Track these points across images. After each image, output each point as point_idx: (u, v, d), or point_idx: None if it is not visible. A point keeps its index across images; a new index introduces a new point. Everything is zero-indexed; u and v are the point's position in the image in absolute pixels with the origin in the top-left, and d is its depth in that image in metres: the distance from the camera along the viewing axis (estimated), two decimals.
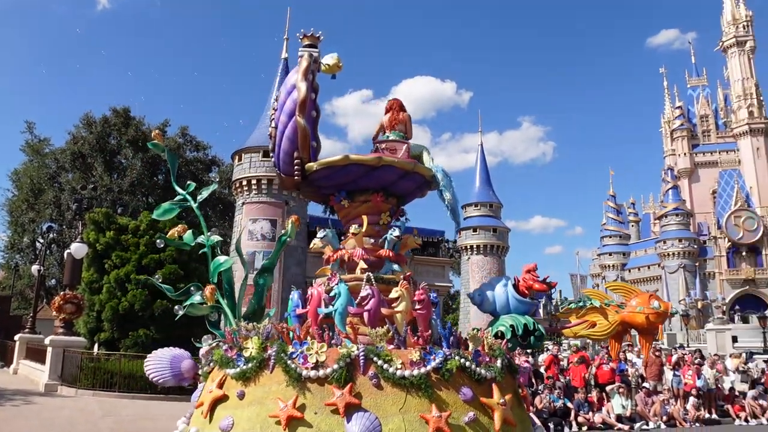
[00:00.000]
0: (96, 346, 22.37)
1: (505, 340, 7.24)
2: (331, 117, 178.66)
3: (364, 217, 7.96)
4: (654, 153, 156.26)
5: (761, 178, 72.29)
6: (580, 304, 8.81)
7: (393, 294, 6.92)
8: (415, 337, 6.40)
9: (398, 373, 5.84)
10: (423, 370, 5.91)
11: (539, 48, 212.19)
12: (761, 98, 75.29)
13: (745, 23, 76.97)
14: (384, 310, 6.89)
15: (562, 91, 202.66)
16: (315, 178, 7.96)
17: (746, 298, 64.19)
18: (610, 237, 77.21)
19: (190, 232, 8.08)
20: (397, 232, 7.86)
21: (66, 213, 39.02)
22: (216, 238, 8.03)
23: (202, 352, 7.48)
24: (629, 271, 73.90)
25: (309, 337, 6.38)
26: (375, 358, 5.91)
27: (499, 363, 6.57)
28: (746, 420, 15.68)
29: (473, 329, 6.91)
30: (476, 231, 46.18)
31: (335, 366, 5.80)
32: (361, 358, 5.89)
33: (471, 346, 6.56)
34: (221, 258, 7.93)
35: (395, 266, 7.80)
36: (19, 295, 46.40)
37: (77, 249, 20.34)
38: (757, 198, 70.39)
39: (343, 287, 6.93)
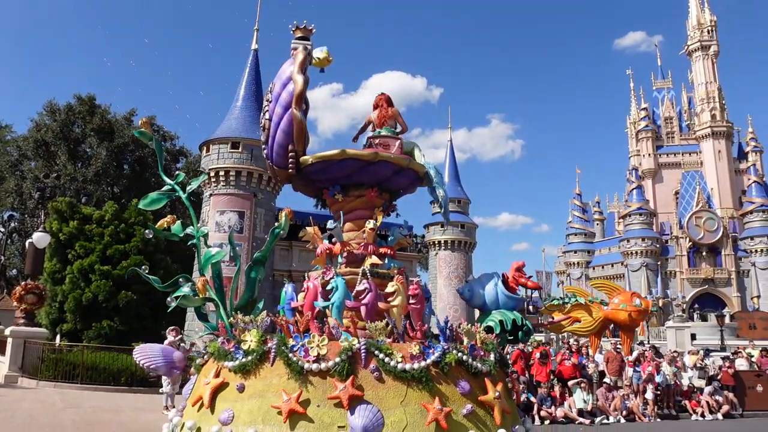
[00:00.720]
0: (58, 337, 22.02)
1: (494, 334, 7.38)
2: None
3: (378, 212, 7.99)
4: (619, 153, 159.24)
5: (722, 180, 74.24)
6: (564, 300, 9.02)
7: (389, 288, 6.98)
8: (414, 331, 6.51)
9: (399, 366, 5.94)
10: (423, 363, 6.02)
11: (509, 47, 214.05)
12: (723, 102, 77.24)
13: (709, 28, 78.78)
14: (380, 305, 6.95)
15: (532, 90, 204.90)
16: (309, 172, 7.93)
17: (705, 297, 65.98)
18: (576, 235, 78.49)
19: (179, 223, 8.02)
20: (406, 232, 7.93)
21: (28, 202, 38.06)
22: (206, 229, 8.01)
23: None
24: (593, 268, 75.25)
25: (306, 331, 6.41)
26: (376, 352, 6.01)
27: (492, 357, 6.75)
28: (702, 415, 16.16)
29: (467, 324, 7.01)
30: (444, 226, 46.55)
31: (337, 359, 5.87)
32: (363, 351, 5.98)
33: (466, 340, 6.67)
34: (213, 250, 7.91)
35: (393, 263, 7.85)
36: None
37: (39, 238, 19.94)
38: (718, 199, 72.31)
39: (341, 281, 6.98)
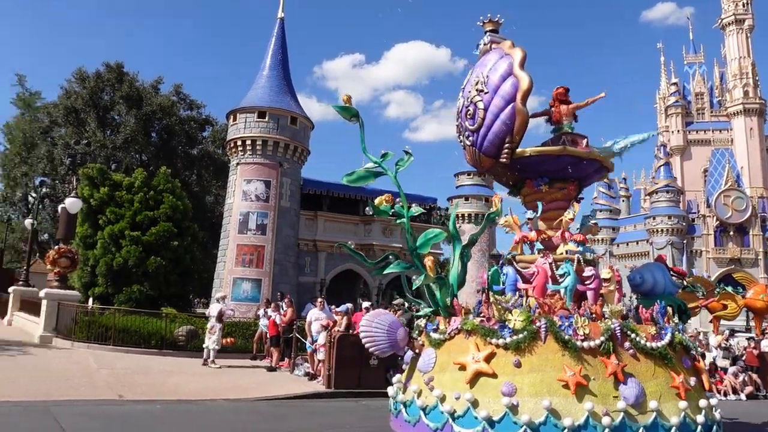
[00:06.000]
0: (90, 300, 22.59)
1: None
2: (321, 80, 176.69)
3: (576, 204, 8.59)
4: (648, 129, 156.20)
5: (752, 159, 72.64)
6: (696, 288, 9.57)
7: (604, 274, 7.71)
8: (645, 314, 7.29)
9: (648, 344, 6.69)
10: (663, 342, 6.80)
11: (535, 19, 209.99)
12: (757, 78, 75.17)
13: (744, 1, 76.42)
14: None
15: (558, 62, 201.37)
16: (521, 163, 8.37)
17: (731, 277, 65.12)
18: (601, 211, 77.53)
19: (389, 202, 8.16)
20: (594, 219, 8.40)
21: (59, 168, 38.71)
22: (418, 209, 8.16)
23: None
24: (617, 245, 74.59)
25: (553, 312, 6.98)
26: (629, 332, 6.71)
27: (687, 336, 7.52)
28: (725, 395, 16.15)
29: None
30: (468, 199, 46.64)
31: (602, 338, 6.53)
32: (618, 331, 6.65)
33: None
34: (434, 230, 8.04)
35: (587, 250, 8.36)
36: (12, 248, 46.21)
37: (72, 204, 20.34)
38: (748, 178, 70.87)
39: (570, 267, 7.44)
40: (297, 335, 15.57)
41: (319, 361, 14.10)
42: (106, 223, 23.57)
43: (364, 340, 7.94)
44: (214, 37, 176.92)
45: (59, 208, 22.40)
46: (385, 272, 8.08)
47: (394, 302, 17.82)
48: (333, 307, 15.90)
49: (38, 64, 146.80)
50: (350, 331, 13.80)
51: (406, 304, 13.15)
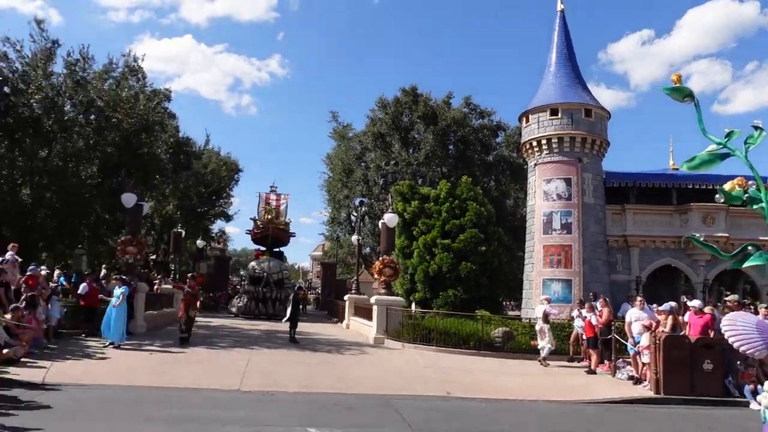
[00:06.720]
0: (413, 305, 24.68)
1: None
2: (607, 65, 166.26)
3: None
4: None
5: None
6: None
7: None
8: None
9: None
10: None
11: None
12: None
13: None
14: None
15: None
16: None
17: None
18: None
19: (740, 188, 7.91)
20: None
21: (373, 188, 43.29)
22: None
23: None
24: None
25: None
26: None
27: None
28: None
29: None
30: None
31: None
32: None
33: None
34: None
35: None
36: (342, 261, 53.32)
37: (390, 219, 22.50)
38: None
39: None
40: (616, 336, 14.80)
41: (644, 364, 13.19)
42: (419, 234, 25.60)
43: (732, 340, 7.12)
44: (493, 45, 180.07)
45: (379, 223, 24.97)
46: (744, 265, 7.11)
47: (726, 299, 15.87)
48: (654, 305, 14.79)
49: (347, 99, 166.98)
50: (677, 331, 12.68)
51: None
